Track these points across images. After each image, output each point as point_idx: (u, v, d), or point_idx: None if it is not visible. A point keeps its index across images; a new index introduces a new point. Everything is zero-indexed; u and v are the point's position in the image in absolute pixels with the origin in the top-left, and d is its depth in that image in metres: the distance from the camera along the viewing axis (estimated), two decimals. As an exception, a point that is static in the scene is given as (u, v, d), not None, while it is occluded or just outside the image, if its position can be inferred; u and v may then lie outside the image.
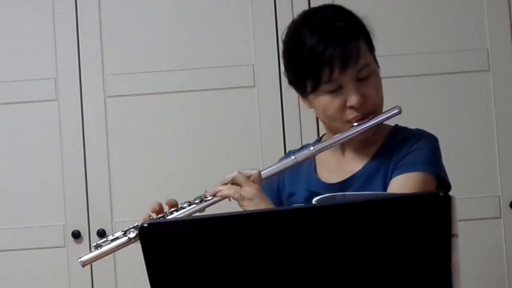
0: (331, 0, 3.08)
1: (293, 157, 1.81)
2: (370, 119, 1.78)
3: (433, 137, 1.83)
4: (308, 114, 3.07)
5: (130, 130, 3.17)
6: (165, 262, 1.29)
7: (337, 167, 1.87)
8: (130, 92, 3.18)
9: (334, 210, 1.30)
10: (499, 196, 3.09)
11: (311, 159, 1.90)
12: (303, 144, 2.06)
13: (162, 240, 1.30)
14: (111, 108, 3.17)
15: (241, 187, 1.76)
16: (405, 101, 3.09)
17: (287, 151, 3.04)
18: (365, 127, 1.78)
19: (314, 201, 1.38)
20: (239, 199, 1.75)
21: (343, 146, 1.86)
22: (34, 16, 3.20)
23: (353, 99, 1.75)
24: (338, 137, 1.80)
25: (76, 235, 3.12)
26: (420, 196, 1.40)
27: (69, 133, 3.17)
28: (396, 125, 1.89)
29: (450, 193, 1.27)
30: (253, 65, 3.16)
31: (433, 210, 1.26)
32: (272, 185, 1.95)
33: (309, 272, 1.26)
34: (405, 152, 1.78)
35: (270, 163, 1.99)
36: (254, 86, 3.16)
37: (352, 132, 1.78)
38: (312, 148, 1.80)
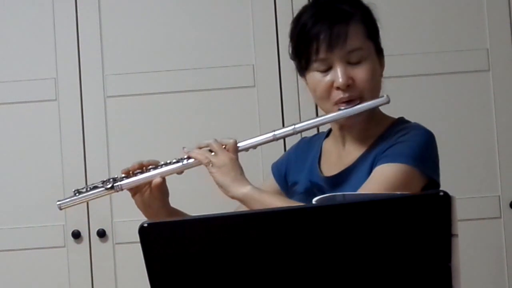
0: (331, 0, 3.08)
1: (272, 133, 1.83)
2: (356, 105, 1.76)
3: (426, 132, 1.79)
4: (308, 114, 3.08)
5: (130, 130, 3.18)
6: (165, 262, 1.29)
7: (336, 159, 1.87)
8: (130, 92, 3.18)
9: (334, 210, 1.30)
10: (499, 196, 3.09)
11: (318, 148, 1.91)
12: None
13: (162, 240, 1.30)
14: (111, 108, 3.17)
15: (215, 154, 1.78)
16: (405, 101, 3.12)
17: (286, 150, 3.05)
18: (349, 112, 1.76)
19: (314, 201, 1.38)
20: (208, 165, 1.77)
21: (344, 138, 1.86)
22: (34, 16, 3.20)
23: (338, 80, 1.75)
24: (321, 118, 1.80)
25: (76, 235, 3.12)
26: (420, 196, 1.41)
27: (69, 133, 3.17)
28: (401, 118, 1.87)
29: (450, 193, 1.27)
30: (253, 65, 3.16)
31: (433, 210, 1.26)
32: (280, 169, 1.97)
33: (309, 272, 1.26)
34: (391, 143, 1.75)
35: (270, 163, 2.00)
36: (254, 86, 3.16)
37: (335, 115, 1.77)
38: (293, 126, 1.82)
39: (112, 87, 3.18)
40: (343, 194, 1.49)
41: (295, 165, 1.94)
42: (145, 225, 1.30)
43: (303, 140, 1.97)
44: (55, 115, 3.17)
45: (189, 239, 1.29)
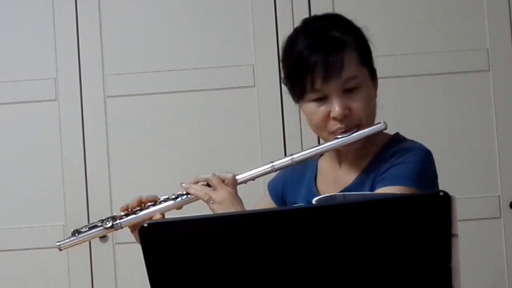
0: (331, 1, 3.08)
1: (271, 165, 1.80)
2: (353, 132, 1.75)
3: (423, 151, 1.76)
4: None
5: (130, 130, 3.18)
6: (165, 262, 1.29)
7: (333, 178, 1.85)
8: (130, 92, 3.18)
9: (334, 210, 1.30)
10: (499, 196, 3.09)
11: (314, 167, 1.90)
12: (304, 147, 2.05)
13: (162, 240, 1.30)
14: (111, 108, 3.18)
15: (214, 189, 1.77)
16: (405, 101, 3.12)
17: (287, 151, 3.05)
18: (346, 140, 1.75)
19: (314, 201, 1.38)
20: (208, 202, 1.76)
21: (340, 157, 1.84)
22: (34, 16, 3.20)
23: (335, 111, 1.73)
24: (318, 148, 1.79)
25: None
26: (420, 196, 1.41)
27: (69, 133, 3.17)
28: (396, 134, 1.84)
29: (450, 193, 1.27)
30: (253, 65, 3.16)
31: (433, 210, 1.26)
32: (277, 189, 1.96)
33: (309, 272, 1.26)
34: (389, 165, 1.73)
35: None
36: (254, 86, 3.16)
37: (332, 143, 1.76)
38: (291, 157, 1.79)
39: (112, 87, 3.18)
40: (343, 194, 1.49)
41: (292, 184, 1.92)
42: (145, 225, 1.30)
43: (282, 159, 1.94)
44: (55, 115, 3.17)
45: (189, 239, 1.29)
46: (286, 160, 1.80)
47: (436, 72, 3.13)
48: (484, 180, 3.10)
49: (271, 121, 3.14)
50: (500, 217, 3.09)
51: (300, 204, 1.88)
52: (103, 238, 3.12)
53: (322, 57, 1.71)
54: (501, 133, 3.10)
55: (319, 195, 1.83)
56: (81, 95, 3.18)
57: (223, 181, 1.78)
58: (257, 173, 1.81)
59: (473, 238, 3.05)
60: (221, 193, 1.75)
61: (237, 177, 1.79)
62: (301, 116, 3.06)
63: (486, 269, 3.08)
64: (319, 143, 1.94)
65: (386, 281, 1.26)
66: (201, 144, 3.15)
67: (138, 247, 1.30)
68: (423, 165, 1.73)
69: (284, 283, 1.26)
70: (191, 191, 1.79)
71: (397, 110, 3.02)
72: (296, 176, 1.91)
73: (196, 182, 1.80)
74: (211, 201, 1.75)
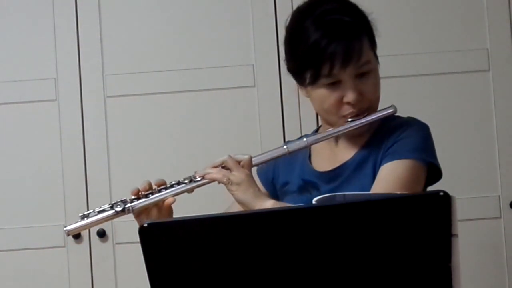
0: None
1: (285, 147, 1.82)
2: (365, 116, 1.79)
3: (423, 124, 1.84)
4: (308, 114, 3.08)
5: (130, 130, 3.17)
6: (165, 262, 1.29)
7: (330, 155, 1.87)
8: (130, 92, 3.18)
9: (334, 210, 1.30)
10: (499, 196, 3.09)
11: (307, 148, 1.90)
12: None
13: (162, 240, 1.30)
14: (111, 108, 3.17)
15: (230, 171, 1.76)
16: (405, 101, 3.10)
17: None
18: (359, 124, 1.79)
19: (314, 201, 1.38)
20: (227, 184, 1.76)
21: (337, 136, 1.86)
22: (34, 16, 3.20)
23: (350, 96, 1.76)
24: (332, 131, 1.82)
25: (76, 235, 3.11)
26: (420, 196, 1.41)
27: (69, 133, 3.16)
28: None
29: (450, 193, 1.27)
30: (253, 65, 3.16)
31: (433, 210, 1.26)
32: (268, 174, 1.96)
33: (309, 272, 1.26)
34: (394, 140, 1.78)
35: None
36: (254, 86, 3.16)
37: (346, 127, 1.79)
38: (305, 139, 1.82)
39: (112, 87, 3.18)
40: (343, 194, 1.49)
41: (283, 167, 1.93)
42: (145, 225, 1.30)
43: (288, 142, 1.95)
44: (55, 115, 3.17)
45: (189, 239, 1.29)
46: (299, 143, 1.82)
47: (436, 72, 3.13)
48: (484, 180, 3.10)
49: (271, 121, 3.14)
50: (500, 217, 3.09)
51: (293, 183, 1.89)
52: (103, 237, 3.12)
53: (341, 45, 1.73)
54: (501, 133, 3.10)
55: (315, 171, 1.86)
56: (81, 95, 3.18)
57: (239, 163, 1.79)
58: (272, 156, 1.83)
59: (473, 238, 3.05)
60: (238, 175, 1.76)
61: (252, 159, 1.80)
62: (301, 115, 3.09)
63: (486, 269, 3.08)
64: (316, 130, 1.95)
65: (386, 281, 1.26)
66: (201, 144, 3.15)
67: (138, 247, 1.30)
68: (426, 137, 1.80)
69: (284, 283, 1.26)
70: (208, 176, 1.79)
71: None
72: (288, 159, 1.91)
73: (214, 167, 1.80)
74: (230, 183, 1.75)
